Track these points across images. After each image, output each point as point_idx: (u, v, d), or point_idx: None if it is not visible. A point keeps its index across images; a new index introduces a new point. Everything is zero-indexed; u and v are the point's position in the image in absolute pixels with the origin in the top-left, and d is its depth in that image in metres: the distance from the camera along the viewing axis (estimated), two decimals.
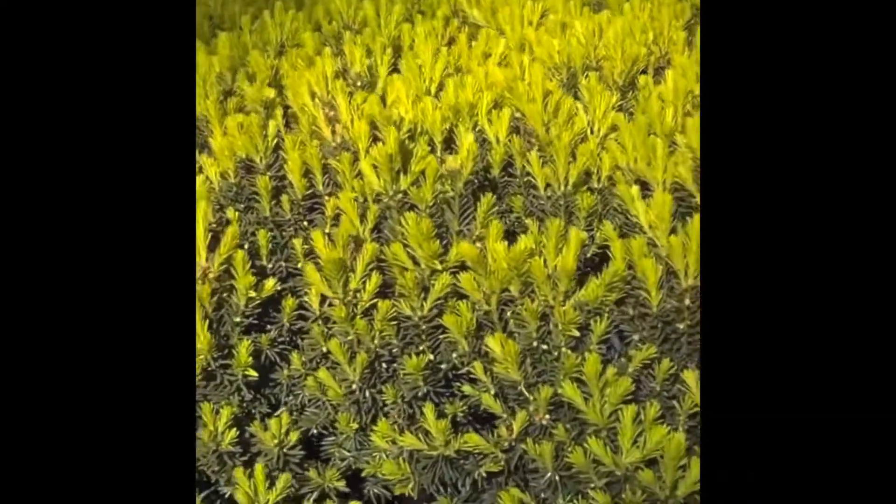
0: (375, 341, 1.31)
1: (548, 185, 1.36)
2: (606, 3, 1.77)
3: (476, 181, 1.38)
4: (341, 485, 1.37)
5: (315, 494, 1.38)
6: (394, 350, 1.33)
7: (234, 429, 1.35)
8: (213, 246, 1.35)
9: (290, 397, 1.40)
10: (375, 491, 1.40)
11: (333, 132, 1.41)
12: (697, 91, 1.48)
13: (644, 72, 1.58)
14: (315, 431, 1.39)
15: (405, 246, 1.31)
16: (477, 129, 1.40)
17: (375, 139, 1.41)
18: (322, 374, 1.32)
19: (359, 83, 1.52)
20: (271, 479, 1.34)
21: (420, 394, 1.32)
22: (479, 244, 1.32)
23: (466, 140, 1.35)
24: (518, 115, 1.42)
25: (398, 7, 1.75)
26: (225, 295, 1.35)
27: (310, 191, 1.39)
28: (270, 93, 1.48)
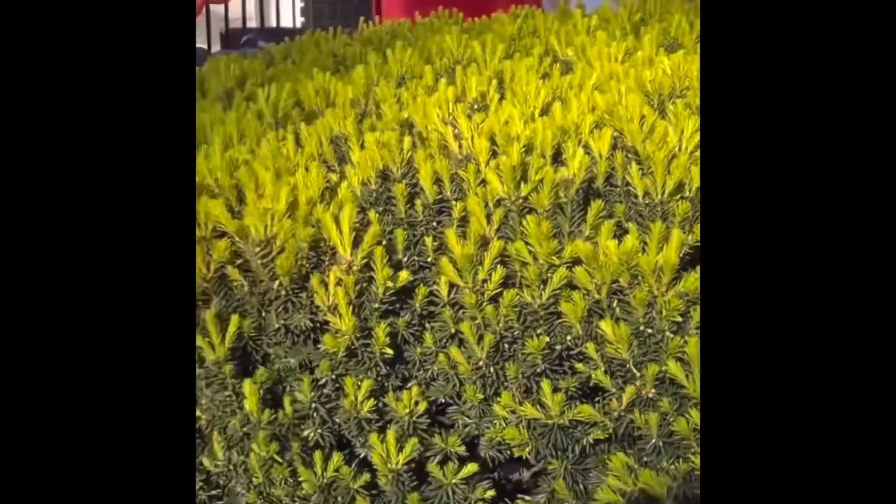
0: (500, 324, 1.34)
1: (646, 194, 1.39)
2: (682, 43, 1.84)
3: (582, 190, 1.40)
4: (461, 449, 1.39)
5: (438, 458, 1.40)
6: (516, 332, 1.35)
7: (372, 399, 1.39)
8: (356, 243, 1.41)
9: (420, 372, 1.42)
10: (491, 454, 1.41)
11: (460, 147, 1.47)
12: None
13: None
14: (441, 401, 1.41)
15: (526, 244, 1.35)
16: (582, 146, 1.43)
17: (494, 154, 1.48)
18: (453, 351, 1.36)
19: (475, 107, 1.59)
20: (401, 444, 1.38)
21: (538, 370, 1.34)
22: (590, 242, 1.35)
23: (578, 154, 1.38)
24: (617, 134, 1.45)
25: (501, 46, 1.83)
26: (365, 285, 1.41)
27: (439, 196, 1.43)
28: (405, 114, 1.55)
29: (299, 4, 5.07)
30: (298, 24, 5.01)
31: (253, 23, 4.67)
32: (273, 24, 4.81)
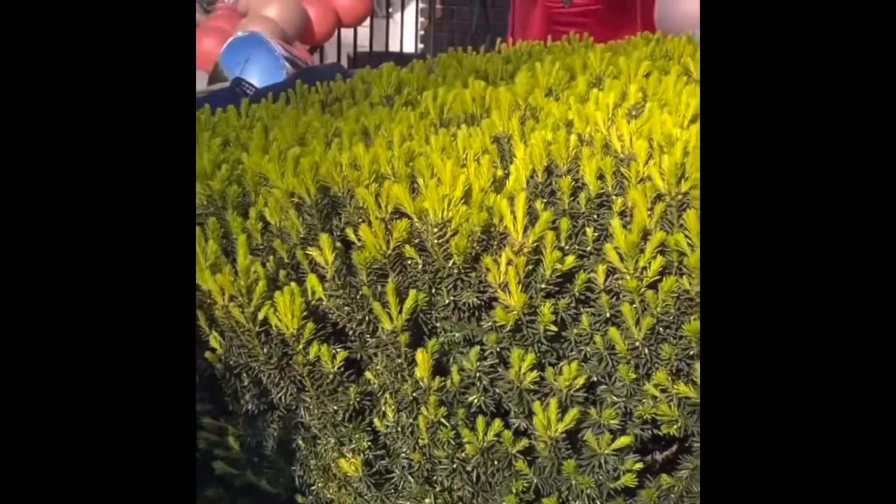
0: (658, 309, 1.32)
1: None
2: None
3: None
4: (615, 422, 1.37)
5: (592, 429, 1.38)
6: (672, 317, 1.32)
7: (535, 371, 1.38)
8: (527, 228, 1.39)
9: (574, 352, 1.39)
10: (636, 431, 1.39)
11: (621, 146, 1.45)
12: None
13: None
14: (595, 378, 1.39)
15: (687, 238, 1.32)
16: None
17: (650, 155, 1.44)
18: (612, 331, 1.34)
19: (632, 113, 1.56)
20: (561, 414, 1.36)
21: (692, 353, 1.32)
22: None
23: None
24: None
25: (645, 63, 1.79)
26: (531, 267, 1.39)
27: (601, 191, 1.41)
28: (571, 115, 1.53)
29: (421, 32, 5.09)
30: (419, 49, 5.03)
31: (379, 47, 4.69)
32: (396, 48, 4.82)
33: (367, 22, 4.41)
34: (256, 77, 3.58)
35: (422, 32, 5.15)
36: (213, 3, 4.35)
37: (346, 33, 4.38)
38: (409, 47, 5.05)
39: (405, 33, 5.09)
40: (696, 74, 1.80)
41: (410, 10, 5.21)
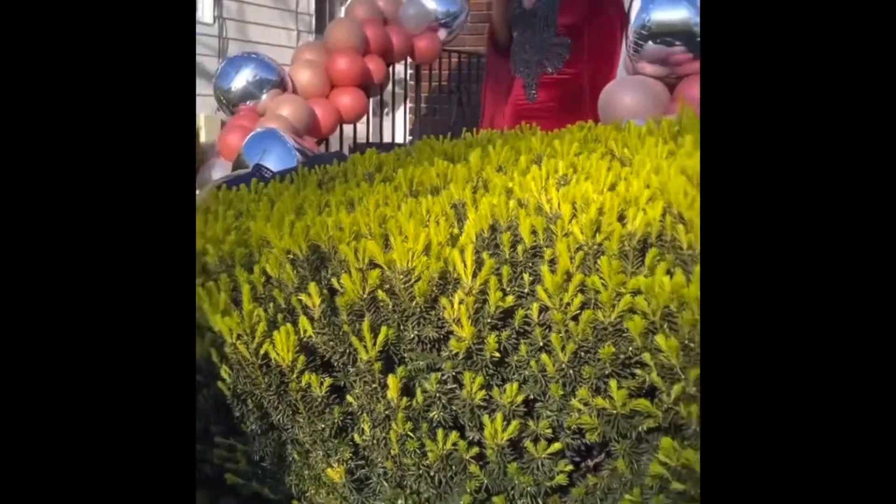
0: (580, 337, 1.36)
1: (689, 246, 1.39)
2: None
3: (640, 243, 1.42)
4: (548, 432, 1.40)
5: (531, 437, 1.42)
6: (590, 343, 1.36)
7: (483, 390, 1.42)
8: (475, 275, 1.45)
9: (515, 374, 1.43)
10: (568, 441, 1.42)
11: (550, 208, 1.53)
12: None
13: None
14: (532, 396, 1.42)
15: (600, 278, 1.38)
16: (642, 210, 1.45)
17: (574, 216, 1.52)
18: (544, 357, 1.39)
19: (560, 182, 1.65)
20: (504, 426, 1.40)
21: (607, 372, 1.35)
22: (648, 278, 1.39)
23: (639, 216, 1.42)
24: (667, 204, 1.47)
25: (575, 144, 1.89)
26: (479, 305, 1.45)
27: (535, 243, 1.47)
28: (513, 185, 1.62)
29: (409, 126, 5.21)
30: (407, 140, 5.14)
31: (375, 139, 4.81)
32: (389, 139, 4.93)
33: (365, 119, 4.52)
34: (273, 164, 3.68)
35: (410, 127, 5.28)
36: (236, 106, 4.46)
37: (348, 127, 4.49)
38: (399, 139, 5.18)
39: (396, 128, 5.22)
40: (621, 153, 1.90)
41: (401, 110, 5.36)
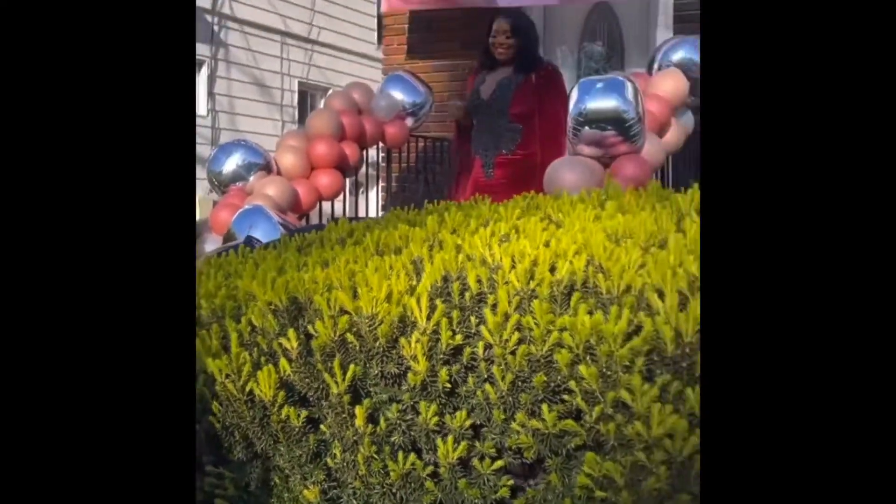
0: (517, 368, 1.45)
1: (607, 291, 1.50)
2: (629, 210, 2.02)
3: (567, 288, 1.52)
4: (492, 451, 1.48)
5: (478, 457, 1.49)
6: (526, 374, 1.45)
7: (437, 417, 1.51)
8: (429, 318, 1.56)
9: (464, 403, 1.51)
10: (511, 459, 1.48)
11: (493, 261, 1.64)
12: (679, 256, 1.56)
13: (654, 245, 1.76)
14: (478, 422, 1.49)
15: (533, 319, 1.49)
16: (569, 262, 1.56)
17: (513, 267, 1.62)
18: (488, 387, 1.48)
19: (502, 240, 1.76)
20: (455, 447, 1.48)
21: (539, 398, 1.43)
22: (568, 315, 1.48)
23: (566, 266, 1.53)
24: (590, 257, 1.58)
25: (517, 211, 2.02)
26: (433, 344, 1.54)
27: (480, 291, 1.57)
28: (463, 243, 1.74)
29: (382, 203, 5.34)
30: (380, 215, 5.27)
31: (352, 214, 4.92)
32: (364, 214, 5.05)
33: (342, 197, 4.64)
34: (260, 236, 3.77)
35: (383, 203, 5.42)
36: (227, 187, 4.55)
37: (327, 204, 4.61)
38: (373, 214, 5.31)
39: (370, 204, 5.35)
40: (556, 217, 2.02)
41: (374, 189, 5.51)
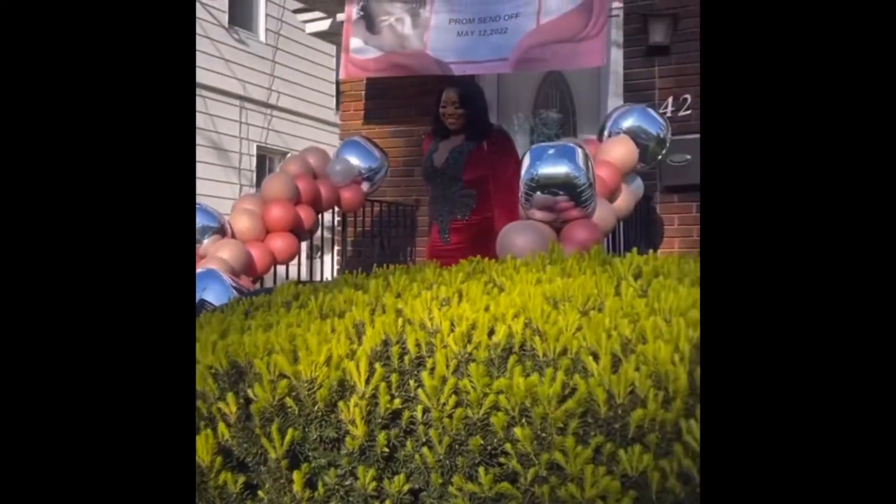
0: (454, 431, 1.45)
1: (544, 354, 1.53)
2: (571, 273, 2.07)
3: (505, 351, 1.57)
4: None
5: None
6: (462, 437, 1.45)
7: (375, 482, 1.50)
8: (368, 381, 1.58)
9: (403, 467, 1.51)
10: None
11: (432, 325, 1.67)
12: (615, 319, 1.64)
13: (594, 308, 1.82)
14: (417, 486, 1.48)
15: (470, 381, 1.52)
16: (507, 325, 1.60)
17: (452, 329, 1.66)
18: (426, 450, 1.49)
19: (443, 304, 1.79)
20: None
21: (476, 461, 1.44)
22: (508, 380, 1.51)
23: (503, 329, 1.57)
24: (528, 320, 1.62)
25: (461, 274, 2.06)
26: (371, 408, 1.56)
27: (419, 354, 1.59)
28: (400, 306, 1.77)
29: (337, 266, 5.35)
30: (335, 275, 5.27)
31: (305, 277, 4.93)
32: (319, 278, 5.06)
33: (297, 260, 4.65)
34: (213, 299, 3.76)
35: (338, 267, 5.44)
36: None
37: (282, 268, 4.61)
38: (328, 277, 5.33)
39: (325, 268, 5.37)
40: (499, 280, 2.06)
41: (329, 253, 5.53)
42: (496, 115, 5.43)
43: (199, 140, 5.53)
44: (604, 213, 3.78)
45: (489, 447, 1.47)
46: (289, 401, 1.58)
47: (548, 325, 1.61)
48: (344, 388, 1.58)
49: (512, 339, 1.59)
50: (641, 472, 1.37)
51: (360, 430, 1.52)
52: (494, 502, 1.45)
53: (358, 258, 5.36)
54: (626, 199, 4.15)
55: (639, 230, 4.63)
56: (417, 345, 1.61)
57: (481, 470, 1.45)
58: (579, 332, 1.61)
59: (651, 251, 2.24)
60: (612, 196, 4.04)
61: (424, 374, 1.53)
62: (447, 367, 1.54)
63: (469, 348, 1.56)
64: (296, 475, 1.54)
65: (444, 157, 3.95)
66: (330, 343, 1.65)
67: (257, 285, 4.50)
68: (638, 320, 1.61)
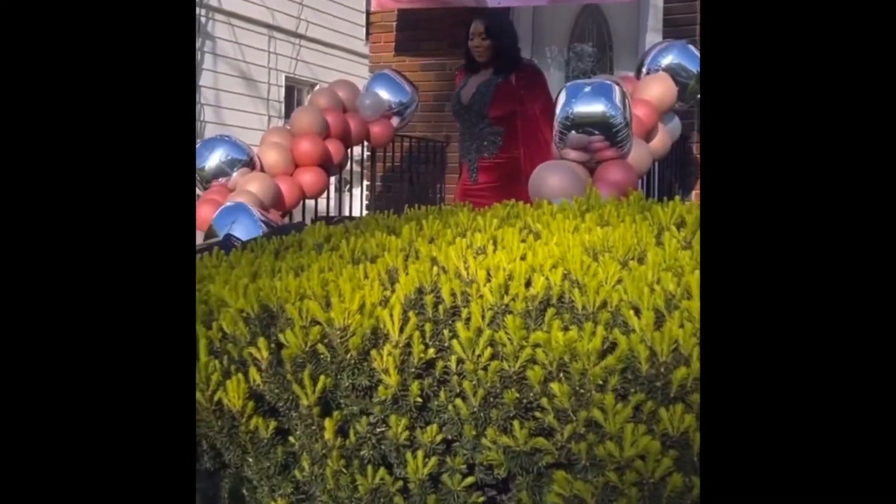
0: (488, 384, 1.44)
1: (583, 307, 1.50)
2: (609, 222, 2.01)
3: (542, 303, 1.52)
4: (463, 467, 1.47)
5: (449, 472, 1.48)
6: (497, 390, 1.43)
7: (408, 431, 1.49)
8: (402, 330, 1.55)
9: (435, 417, 1.50)
10: (481, 475, 1.48)
11: (467, 274, 1.63)
12: (657, 272, 1.59)
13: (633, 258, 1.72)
14: (449, 437, 1.48)
15: (507, 334, 1.47)
16: (544, 277, 1.55)
17: (488, 280, 1.61)
18: (459, 401, 1.46)
19: (478, 252, 1.75)
20: (425, 462, 1.47)
21: (511, 414, 1.42)
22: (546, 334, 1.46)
23: (540, 281, 1.53)
24: (567, 271, 1.58)
25: (496, 220, 2.01)
26: (405, 357, 1.54)
27: (453, 304, 1.56)
28: (438, 254, 1.72)
29: (366, 202, 5.32)
30: (363, 214, 5.25)
31: (335, 213, 4.90)
32: (348, 213, 5.03)
33: (327, 195, 4.61)
34: (241, 234, 3.74)
35: (367, 202, 5.39)
36: (209, 183, 4.52)
37: (311, 202, 4.58)
38: (357, 212, 5.29)
39: (354, 203, 5.33)
40: (535, 227, 2.01)
41: (358, 187, 5.48)
42: (530, 50, 5.27)
43: (227, 69, 5.45)
44: (639, 154, 3.68)
45: (525, 401, 1.44)
46: (321, 347, 1.56)
47: (587, 277, 1.57)
48: (377, 337, 1.55)
49: (550, 291, 1.54)
50: (683, 433, 1.34)
51: (393, 379, 1.50)
52: (529, 456, 1.43)
53: (387, 194, 5.30)
54: (662, 139, 4.03)
55: (674, 171, 4.52)
56: (452, 294, 1.57)
57: (516, 423, 1.42)
58: (619, 284, 1.56)
59: (681, 194, 2.16)
60: (648, 136, 3.92)
61: (459, 325, 1.50)
62: (483, 318, 1.50)
63: (506, 300, 1.52)
64: (327, 422, 1.53)
65: (472, 92, 3.84)
66: (363, 290, 1.61)
67: (286, 220, 4.47)
68: (683, 274, 1.55)
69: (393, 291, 1.63)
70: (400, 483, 1.50)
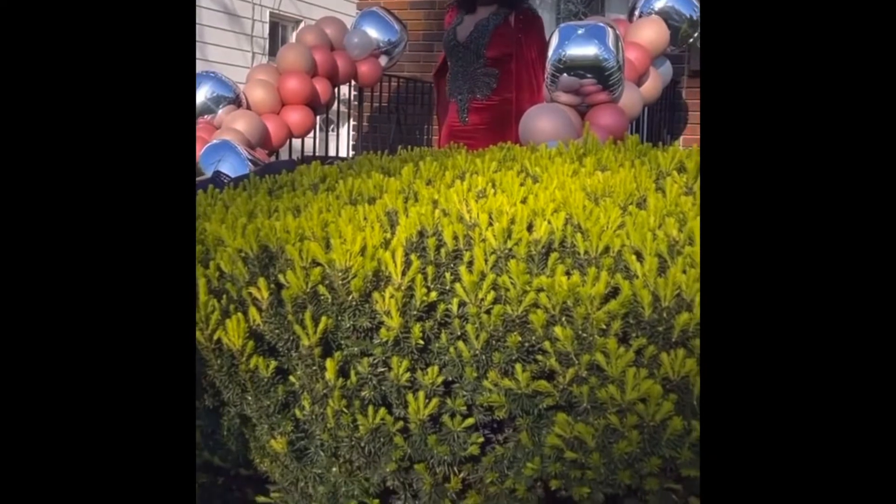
0: (491, 327, 1.43)
1: (585, 252, 1.49)
2: (608, 166, 1.99)
3: (545, 247, 1.51)
4: (463, 408, 1.47)
5: (448, 413, 1.48)
6: (500, 333, 1.43)
7: (409, 372, 1.49)
8: (404, 273, 1.53)
9: (436, 359, 1.49)
10: (480, 417, 1.48)
11: (470, 218, 1.61)
12: (659, 218, 1.57)
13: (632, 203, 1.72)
14: (450, 378, 1.48)
15: (509, 277, 1.46)
16: (546, 221, 1.53)
17: (490, 224, 1.60)
18: (461, 344, 1.46)
19: (479, 195, 1.73)
20: (426, 403, 1.47)
21: (513, 358, 1.42)
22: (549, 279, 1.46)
23: (543, 225, 1.51)
24: (568, 215, 1.56)
25: (493, 163, 1.98)
26: (407, 300, 1.52)
27: (455, 247, 1.55)
28: (439, 196, 1.69)
29: (353, 142, 5.25)
30: (350, 154, 5.18)
31: (322, 152, 4.83)
32: (334, 153, 4.96)
33: (313, 134, 4.54)
34: (228, 171, 3.68)
35: (353, 142, 5.32)
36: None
37: (297, 141, 4.51)
38: (343, 153, 5.22)
39: (341, 143, 5.25)
40: (533, 171, 1.98)
41: (345, 127, 5.40)
42: None
43: (210, 4, 5.28)
44: (631, 98, 3.63)
45: (527, 344, 1.44)
46: (322, 289, 1.54)
47: (589, 221, 1.55)
48: (379, 279, 1.53)
49: (552, 236, 1.53)
50: (683, 377, 1.34)
51: (395, 321, 1.48)
52: (530, 399, 1.44)
53: (374, 134, 5.23)
54: (653, 83, 3.98)
55: (663, 115, 4.49)
56: (455, 237, 1.55)
57: (518, 367, 1.42)
58: (621, 230, 1.55)
59: (669, 139, 2.14)
60: (639, 80, 3.87)
61: (462, 269, 1.48)
62: (486, 262, 1.48)
63: (509, 244, 1.50)
64: (328, 363, 1.52)
65: (469, 30, 3.76)
66: (363, 231, 1.58)
67: (272, 158, 4.41)
68: (685, 220, 1.54)
69: (393, 234, 1.61)
70: (400, 423, 1.50)
